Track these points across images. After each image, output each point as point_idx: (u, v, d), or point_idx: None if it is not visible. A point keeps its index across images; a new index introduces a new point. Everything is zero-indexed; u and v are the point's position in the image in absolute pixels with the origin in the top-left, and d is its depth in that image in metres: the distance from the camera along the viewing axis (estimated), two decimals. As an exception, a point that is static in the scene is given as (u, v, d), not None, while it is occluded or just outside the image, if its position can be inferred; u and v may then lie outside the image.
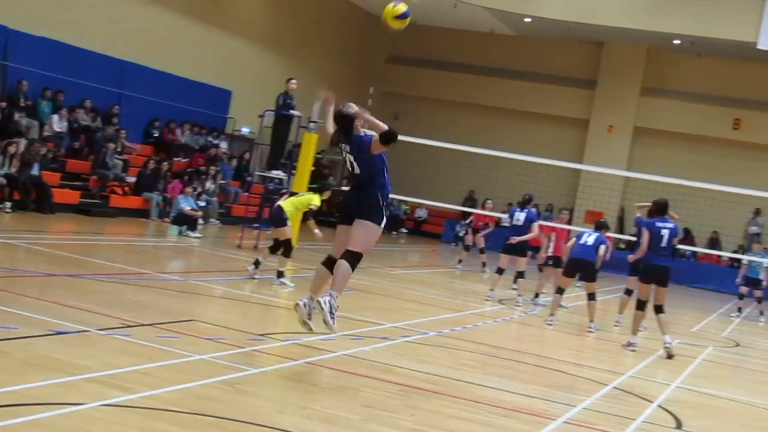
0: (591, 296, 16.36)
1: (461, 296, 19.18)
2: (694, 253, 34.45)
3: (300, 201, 16.11)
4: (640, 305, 14.64)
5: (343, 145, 9.76)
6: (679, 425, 9.59)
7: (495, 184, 34.71)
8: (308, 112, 21.55)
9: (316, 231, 16.09)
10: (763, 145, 36.41)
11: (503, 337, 14.32)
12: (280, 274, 15.59)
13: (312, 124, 21.16)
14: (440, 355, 11.50)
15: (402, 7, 10.77)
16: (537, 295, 19.03)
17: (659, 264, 14.45)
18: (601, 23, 34.32)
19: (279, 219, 15.80)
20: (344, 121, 9.83)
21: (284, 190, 18.23)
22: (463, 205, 34.82)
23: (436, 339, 12.56)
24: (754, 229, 36.08)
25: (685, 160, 36.88)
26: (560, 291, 16.56)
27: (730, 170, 35.93)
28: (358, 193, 9.68)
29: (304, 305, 9.45)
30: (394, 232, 37.28)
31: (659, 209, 14.80)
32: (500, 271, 18.63)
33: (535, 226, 18.28)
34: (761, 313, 23.92)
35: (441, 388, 9.43)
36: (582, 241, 16.43)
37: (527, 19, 35.54)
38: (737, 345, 17.67)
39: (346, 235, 9.52)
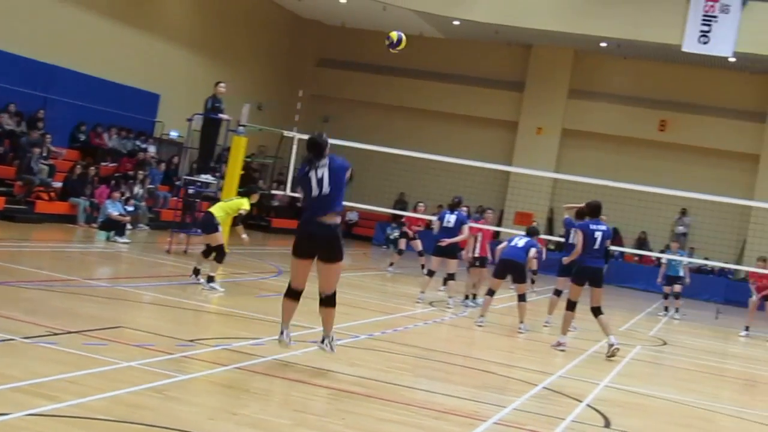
0: (521, 297, 16.56)
1: (392, 299, 19.19)
2: (621, 253, 34.81)
3: (229, 206, 16.03)
4: (571, 306, 14.76)
5: (317, 162, 9.96)
6: (607, 424, 9.68)
7: (426, 187, 34.91)
8: (237, 115, 21.44)
9: (244, 236, 16.05)
10: (688, 146, 36.93)
11: (434, 339, 14.35)
12: (210, 279, 15.49)
13: (241, 128, 21.05)
14: (371, 359, 11.50)
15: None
16: (467, 297, 19.16)
17: (592, 266, 14.63)
18: (528, 26, 34.56)
19: (210, 225, 15.71)
20: (319, 147, 10.06)
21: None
22: (394, 208, 34.89)
23: (367, 342, 12.57)
24: (680, 228, 36.55)
25: (613, 161, 37.29)
26: (491, 293, 16.66)
27: (656, 171, 36.43)
28: (319, 231, 9.88)
29: (286, 336, 10.26)
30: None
31: (592, 211, 14.94)
32: (431, 273, 18.71)
33: (465, 228, 18.41)
34: (676, 310, 24.26)
35: (372, 392, 9.43)
36: (513, 243, 16.61)
37: (456, 22, 35.70)
38: (664, 343, 17.89)
39: (306, 270, 10.10)
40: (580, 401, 10.59)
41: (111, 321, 11.25)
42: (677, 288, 24.50)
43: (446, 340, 14.19)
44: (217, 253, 15.64)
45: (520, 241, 16.63)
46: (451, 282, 18.76)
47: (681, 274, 24.44)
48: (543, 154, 37.64)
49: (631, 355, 15.34)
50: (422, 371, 11.35)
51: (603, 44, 35.78)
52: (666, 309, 24.75)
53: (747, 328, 22.27)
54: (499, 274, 16.63)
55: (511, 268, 16.51)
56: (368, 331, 13.51)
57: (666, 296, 24.86)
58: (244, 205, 15.95)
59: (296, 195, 33.39)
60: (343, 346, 11.90)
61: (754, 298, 22.59)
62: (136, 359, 9.11)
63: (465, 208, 19.70)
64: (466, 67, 39.57)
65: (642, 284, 33.21)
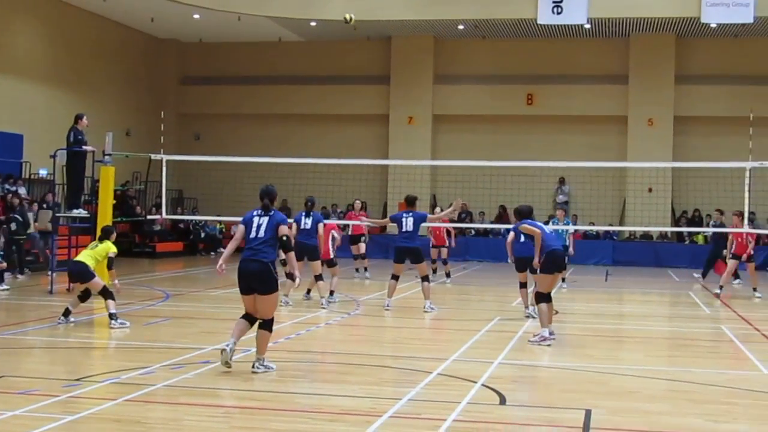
0: (424, 278, 17.78)
1: (282, 306, 19.05)
2: (508, 229, 35.16)
3: (97, 252, 15.71)
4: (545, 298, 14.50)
5: (261, 212, 11.54)
6: (503, 401, 9.77)
7: (308, 191, 34.71)
8: (102, 145, 21.08)
9: (116, 282, 15.79)
10: (557, 116, 37.52)
11: (326, 341, 14.31)
12: (112, 316, 15.15)
13: (107, 157, 20.69)
14: (262, 371, 11.40)
15: None
16: (332, 293, 19.34)
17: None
18: (385, 18, 34.75)
19: (86, 273, 15.42)
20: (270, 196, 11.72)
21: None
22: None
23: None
24: (561, 197, 37.13)
25: (487, 141, 37.70)
26: (395, 277, 17.93)
27: (530, 144, 36.99)
28: (254, 266, 11.20)
29: (230, 350, 11.10)
30: (213, 253, 36.91)
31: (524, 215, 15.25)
32: (291, 276, 18.86)
33: (320, 227, 18.62)
34: (563, 280, 23.85)
35: (265, 404, 9.37)
36: (403, 229, 17.60)
37: (313, 23, 35.67)
38: (557, 312, 18.05)
39: (254, 302, 11.31)
40: (475, 382, 10.66)
41: (-7, 372, 10.97)
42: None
43: (338, 341, 14.15)
44: (104, 295, 15.33)
45: (410, 225, 17.83)
46: (320, 282, 18.71)
47: (567, 243, 23.92)
48: (418, 143, 37.84)
49: (523, 329, 15.50)
50: (316, 375, 11.31)
51: (461, 27, 36.14)
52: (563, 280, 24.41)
53: (721, 287, 22.41)
54: (398, 259, 17.91)
55: (407, 253, 17.75)
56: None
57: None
58: (112, 248, 15.75)
59: (176, 218, 33.18)
60: (235, 362, 11.78)
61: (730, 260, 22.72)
62: (21, 407, 8.89)
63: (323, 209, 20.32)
64: (331, 66, 39.56)
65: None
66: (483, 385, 10.54)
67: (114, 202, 21.08)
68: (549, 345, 13.88)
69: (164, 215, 24.17)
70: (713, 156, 31.76)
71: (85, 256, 15.62)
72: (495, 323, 16.27)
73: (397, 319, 17.02)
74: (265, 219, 11.37)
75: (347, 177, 33.54)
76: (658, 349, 14.81)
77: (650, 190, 33.76)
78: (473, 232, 36.16)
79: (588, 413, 9.19)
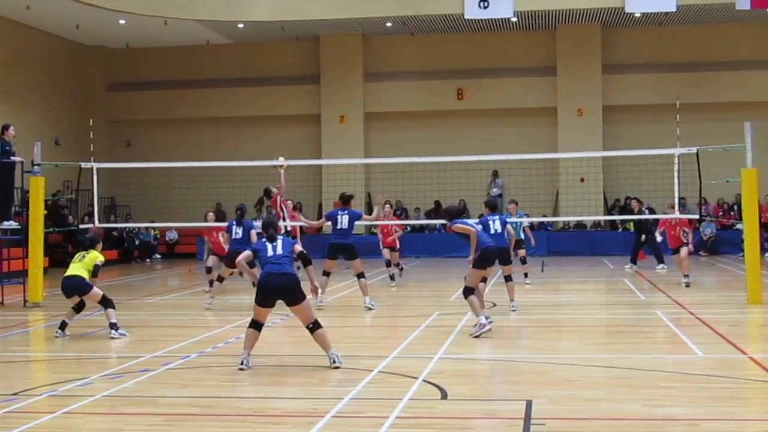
0: (360, 275, 18.10)
1: (221, 312, 18.95)
2: (444, 224, 35.34)
3: (86, 263, 15.47)
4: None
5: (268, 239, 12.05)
6: (444, 396, 9.82)
7: (242, 194, 34.51)
8: (30, 155, 20.81)
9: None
10: (487, 109, 37.82)
11: (265, 344, 14.18)
12: (113, 326, 14.93)
13: (36, 167, 20.43)
14: (204, 377, 11.36)
15: None
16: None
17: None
18: (311, 18, 34.75)
19: (85, 286, 15.21)
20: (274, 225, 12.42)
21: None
22: (216, 220, 34.68)
23: (198, 360, 12.41)
24: (495, 190, 37.38)
25: (420, 137, 37.86)
26: (326, 274, 18.37)
27: (462, 139, 37.22)
28: (284, 279, 11.66)
29: (248, 362, 11.57)
30: (148, 260, 36.66)
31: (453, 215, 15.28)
32: (221, 279, 19.14)
33: (253, 233, 18.56)
34: (525, 275, 23.24)
35: (206, 410, 9.33)
36: (338, 227, 18.17)
37: (240, 25, 35.54)
38: (494, 305, 18.16)
39: (268, 311, 11.95)
40: (416, 378, 10.69)
41: (-73, 390, 10.79)
42: (522, 252, 23.27)
43: (277, 342, 14.11)
44: (105, 304, 15.11)
45: (344, 222, 18.36)
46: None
47: (523, 236, 23.47)
48: (350, 142, 37.87)
49: (462, 323, 15.54)
50: (257, 379, 11.24)
51: (389, 24, 36.23)
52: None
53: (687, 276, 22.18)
54: (331, 255, 18.41)
55: (341, 250, 18.28)
56: (199, 348, 13.33)
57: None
58: (99, 258, 15.61)
59: (109, 226, 32.82)
60: (174, 369, 11.75)
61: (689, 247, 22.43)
62: (-44, 425, 8.78)
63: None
64: (261, 68, 39.45)
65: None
66: (424, 380, 10.58)
67: (45, 212, 20.80)
68: (490, 330, 14.03)
69: (97, 224, 23.90)
70: (642, 143, 32.21)
71: (78, 269, 15.33)
72: (434, 318, 16.33)
73: (336, 318, 17.00)
74: (279, 241, 11.96)
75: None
76: (596, 337, 14.96)
77: (582, 180, 34.11)
78: (409, 228, 36.26)
79: (529, 404, 9.26)
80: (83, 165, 22.04)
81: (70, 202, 33.93)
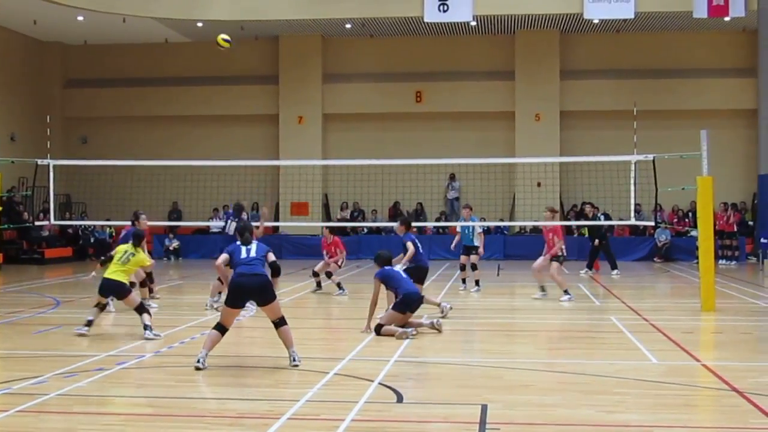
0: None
1: (177, 310, 18.89)
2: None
3: (128, 269, 15.36)
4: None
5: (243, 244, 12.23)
6: (400, 399, 9.86)
7: (199, 192, 34.36)
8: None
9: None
10: (446, 112, 37.94)
11: (220, 344, 14.15)
12: (147, 327, 14.64)
13: (-8, 163, 20.30)
14: (159, 376, 11.33)
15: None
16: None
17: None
18: (271, 18, 34.73)
19: (122, 290, 15.05)
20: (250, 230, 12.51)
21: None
22: (170, 219, 34.60)
23: (153, 360, 12.37)
24: (452, 193, 37.52)
25: (377, 139, 37.91)
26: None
27: (420, 141, 37.38)
28: (256, 280, 11.82)
29: (203, 362, 11.54)
30: (103, 257, 36.36)
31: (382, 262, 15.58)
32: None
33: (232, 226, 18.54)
34: (477, 283, 22.51)
35: (162, 410, 9.31)
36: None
37: (199, 24, 35.41)
38: (451, 308, 18.21)
39: (237, 314, 12.20)
40: (372, 381, 10.72)
41: None
42: (474, 258, 22.45)
43: (232, 343, 14.05)
44: (140, 311, 14.90)
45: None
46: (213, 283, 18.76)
47: (476, 243, 22.49)
48: (308, 142, 37.83)
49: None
50: (213, 380, 11.22)
51: (348, 26, 36.26)
52: (464, 281, 22.87)
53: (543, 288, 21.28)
54: None
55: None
56: (154, 348, 13.29)
57: (463, 267, 22.77)
58: (146, 262, 15.84)
59: (64, 223, 32.57)
60: (128, 368, 11.71)
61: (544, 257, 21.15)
62: None
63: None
64: (219, 67, 39.25)
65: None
66: (380, 383, 10.61)
67: (0, 208, 20.65)
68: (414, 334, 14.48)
69: (52, 221, 23.75)
70: (599, 149, 32.39)
71: (118, 273, 15.12)
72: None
73: (292, 320, 16.93)
74: (254, 246, 12.17)
75: (238, 178, 33.36)
76: (550, 342, 15.06)
77: (539, 184, 34.26)
78: (365, 230, 36.29)
79: (484, 408, 9.32)
80: (40, 162, 21.88)
81: (25, 199, 33.67)
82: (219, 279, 18.63)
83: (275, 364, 12.01)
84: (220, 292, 18.92)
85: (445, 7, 32.12)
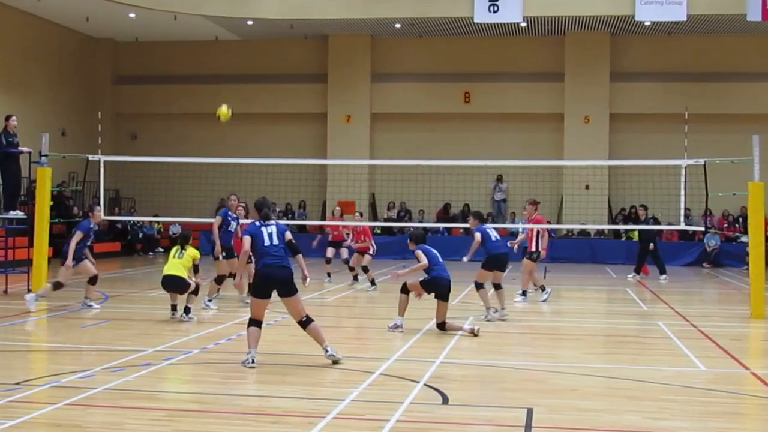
0: None
1: (224, 306, 18.93)
2: (447, 228, 35.54)
3: (184, 262, 16.23)
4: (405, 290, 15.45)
5: (263, 222, 12.28)
6: (445, 400, 9.83)
7: (247, 190, 34.47)
8: (37, 146, 20.84)
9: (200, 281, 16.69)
10: (493, 114, 37.82)
11: (267, 342, 14.18)
12: (188, 310, 16.14)
13: (44, 158, 20.45)
14: (205, 373, 11.39)
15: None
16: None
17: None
18: (321, 17, 34.80)
19: (183, 285, 16.13)
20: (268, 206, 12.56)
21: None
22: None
23: (199, 356, 12.42)
24: (499, 195, 37.42)
25: (425, 139, 37.87)
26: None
27: (467, 142, 37.27)
28: (284, 272, 11.91)
29: (253, 360, 11.65)
30: (151, 253, 36.69)
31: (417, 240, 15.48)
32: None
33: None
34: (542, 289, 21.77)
35: (206, 407, 9.34)
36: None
37: (249, 22, 35.58)
38: (496, 311, 18.16)
39: (266, 304, 12.08)
40: (417, 382, 10.71)
41: (-71, 378, 10.80)
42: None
43: (278, 341, 14.10)
44: (195, 293, 16.30)
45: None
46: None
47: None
48: (356, 142, 37.89)
49: (464, 327, 15.53)
50: (258, 377, 11.25)
51: (397, 26, 36.26)
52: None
53: (524, 293, 20.70)
54: None
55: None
56: (201, 344, 13.36)
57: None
58: (196, 255, 16.38)
59: (113, 218, 32.85)
60: (175, 364, 11.78)
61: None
62: (-41, 413, 8.80)
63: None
64: (268, 65, 39.47)
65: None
66: (425, 384, 10.59)
67: (51, 203, 20.84)
68: (401, 332, 14.91)
69: (102, 216, 23.94)
70: (649, 153, 32.24)
71: (179, 269, 16.14)
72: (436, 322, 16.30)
73: (337, 318, 17.02)
74: (273, 227, 12.19)
75: (285, 176, 33.48)
76: (596, 347, 14.95)
77: (587, 187, 34.11)
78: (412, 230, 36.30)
79: (529, 412, 9.28)
80: (91, 157, 22.05)
81: (75, 194, 33.98)
82: (215, 280, 18.64)
83: (320, 362, 12.01)
84: (217, 291, 18.88)
85: (495, 8, 32.03)
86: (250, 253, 12.41)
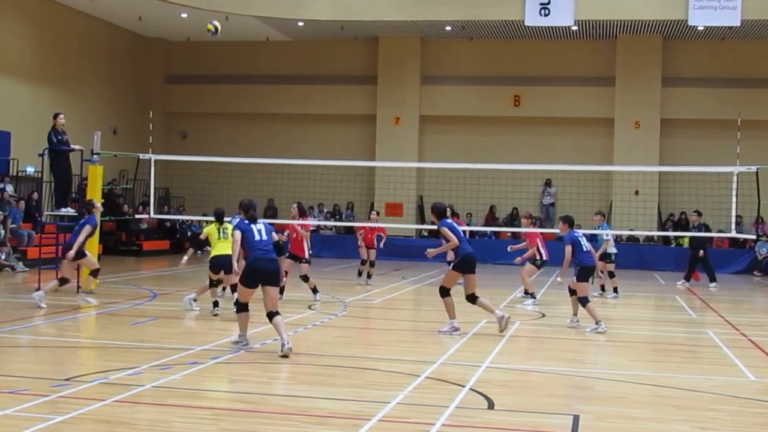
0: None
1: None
2: (495, 232, 35.47)
3: (228, 243, 16.18)
4: (445, 292, 15.35)
5: (250, 222, 13.18)
6: (491, 405, 9.80)
7: (294, 190, 34.63)
8: (89, 143, 21.05)
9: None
10: (543, 117, 37.65)
11: (314, 343, 14.27)
12: (215, 305, 16.66)
13: (95, 156, 20.65)
14: (251, 372, 11.43)
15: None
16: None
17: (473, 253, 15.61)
18: (371, 19, 34.82)
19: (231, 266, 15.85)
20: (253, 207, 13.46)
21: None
22: (265, 216, 34.86)
23: (246, 356, 12.47)
24: (547, 199, 37.26)
25: (473, 142, 37.77)
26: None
27: (516, 146, 37.13)
28: (274, 264, 13.00)
29: (244, 341, 13.10)
30: (199, 252, 36.76)
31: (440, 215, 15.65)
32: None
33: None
34: (615, 290, 22.78)
35: (253, 406, 9.38)
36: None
37: (300, 23, 35.69)
38: (543, 316, 18.12)
39: (253, 292, 13.09)
40: (463, 386, 10.68)
41: (-19, 371, 10.93)
42: (610, 266, 22.67)
43: (325, 342, 14.14)
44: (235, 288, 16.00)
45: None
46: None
47: (609, 251, 22.49)
48: (404, 144, 37.87)
49: (510, 332, 15.52)
50: (304, 378, 11.30)
51: (448, 28, 36.21)
52: (602, 288, 23.02)
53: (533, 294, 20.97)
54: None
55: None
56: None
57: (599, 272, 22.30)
58: (230, 227, 16.51)
59: (162, 217, 33.10)
60: (222, 363, 11.84)
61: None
62: (9, 407, 8.88)
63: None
64: (318, 66, 39.58)
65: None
66: (471, 389, 10.57)
67: (102, 200, 21.03)
68: (459, 334, 14.93)
69: (151, 214, 24.14)
70: (700, 159, 31.92)
71: (227, 248, 16.07)
72: (482, 326, 16.27)
73: (384, 321, 17.03)
74: (261, 225, 13.20)
75: (334, 177, 33.57)
76: (643, 354, 14.84)
77: (637, 192, 33.88)
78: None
79: (575, 419, 9.23)
80: (142, 156, 22.23)
81: (125, 191, 34.26)
82: (212, 281, 18.52)
83: (366, 365, 12.03)
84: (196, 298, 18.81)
85: (547, 11, 31.90)
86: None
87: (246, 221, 13.15)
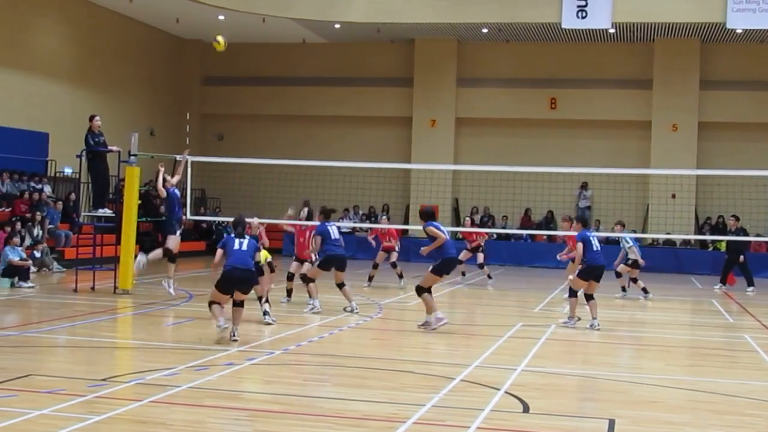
0: (341, 285, 17.99)
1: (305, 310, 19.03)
2: (530, 235, 35.39)
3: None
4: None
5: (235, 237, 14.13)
6: (526, 409, 9.78)
7: (330, 192, 34.66)
8: (126, 145, 21.18)
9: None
10: (579, 120, 37.49)
11: (349, 345, 14.32)
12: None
13: (133, 158, 20.79)
14: (286, 374, 11.47)
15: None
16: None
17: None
18: (408, 21, 34.79)
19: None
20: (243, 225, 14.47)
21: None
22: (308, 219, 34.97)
23: (281, 357, 12.51)
24: (583, 202, 37.10)
25: (509, 144, 37.67)
26: (311, 280, 18.17)
27: (552, 148, 36.99)
28: (247, 274, 13.81)
29: (223, 324, 13.73)
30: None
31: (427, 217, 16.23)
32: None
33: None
34: (645, 291, 23.13)
35: (288, 408, 9.40)
36: (332, 237, 18.05)
37: (337, 26, 35.73)
38: (579, 319, 18.02)
39: (228, 298, 13.94)
40: (498, 389, 10.67)
41: (20, 370, 10.97)
42: (634, 273, 23.15)
43: (360, 344, 14.17)
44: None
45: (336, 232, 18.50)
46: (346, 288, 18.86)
47: (630, 256, 22.91)
48: (440, 146, 37.81)
49: (546, 335, 15.50)
50: (338, 380, 11.32)
51: (484, 30, 36.12)
52: (623, 289, 23.52)
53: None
54: (326, 267, 18.10)
55: (338, 261, 17.94)
56: (283, 345, 13.45)
57: (619, 275, 23.30)
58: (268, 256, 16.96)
59: (199, 218, 33.23)
60: (257, 364, 11.88)
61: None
62: (48, 407, 8.96)
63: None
64: (354, 68, 39.61)
65: (552, 262, 33.53)
66: (506, 392, 10.55)
67: (139, 201, 21.17)
68: (436, 329, 15.46)
69: (188, 215, 24.24)
70: (738, 162, 31.70)
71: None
72: (517, 329, 16.26)
73: (413, 323, 16.97)
74: (245, 241, 14.06)
75: (369, 179, 33.58)
76: (680, 358, 14.77)
77: (674, 196, 33.66)
78: (495, 235, 36.05)
79: (612, 423, 9.19)
80: (178, 157, 22.34)
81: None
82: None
83: (400, 367, 12.04)
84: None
85: (584, 14, 31.80)
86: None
87: (232, 236, 14.16)
